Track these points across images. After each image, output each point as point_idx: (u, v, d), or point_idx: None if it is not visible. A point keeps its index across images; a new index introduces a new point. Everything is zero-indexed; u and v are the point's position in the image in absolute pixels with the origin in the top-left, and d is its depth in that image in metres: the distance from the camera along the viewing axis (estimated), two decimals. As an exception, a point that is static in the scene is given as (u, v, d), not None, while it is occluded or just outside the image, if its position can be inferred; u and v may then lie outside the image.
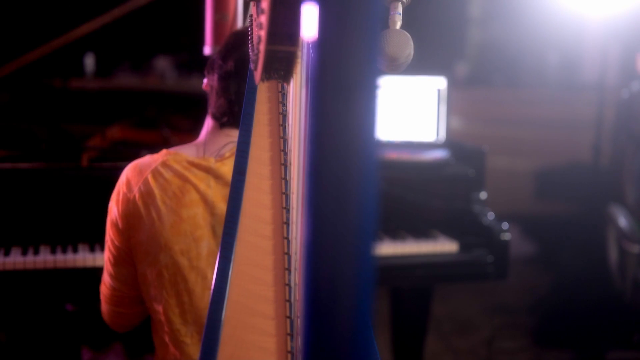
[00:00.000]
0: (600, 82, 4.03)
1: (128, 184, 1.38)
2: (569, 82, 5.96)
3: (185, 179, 1.37)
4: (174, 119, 3.00)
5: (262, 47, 0.88)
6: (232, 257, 1.03)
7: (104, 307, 1.53)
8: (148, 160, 1.40)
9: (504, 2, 6.20)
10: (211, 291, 1.00)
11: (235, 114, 1.41)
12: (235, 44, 1.42)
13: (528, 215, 4.94)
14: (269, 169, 1.13)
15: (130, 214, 1.37)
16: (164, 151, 1.41)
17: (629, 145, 3.38)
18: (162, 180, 1.36)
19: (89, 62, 4.10)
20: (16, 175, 2.13)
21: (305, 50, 0.95)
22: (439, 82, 2.68)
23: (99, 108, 3.26)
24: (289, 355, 1.01)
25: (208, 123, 1.49)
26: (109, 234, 1.43)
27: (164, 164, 1.38)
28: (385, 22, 1.02)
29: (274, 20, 0.84)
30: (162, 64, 4.42)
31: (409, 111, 2.67)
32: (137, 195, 1.36)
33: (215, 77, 1.43)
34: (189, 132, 2.82)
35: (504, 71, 6.21)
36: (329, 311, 0.58)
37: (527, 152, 5.28)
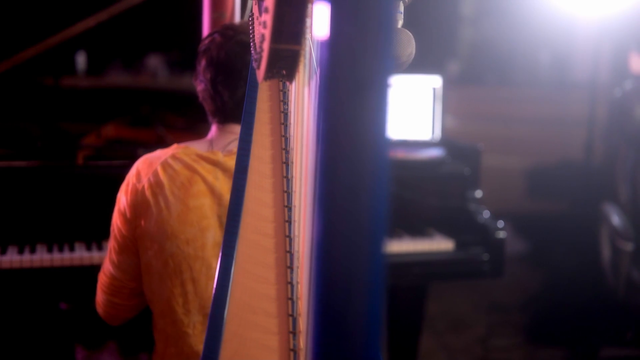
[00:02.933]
0: (592, 80, 4.05)
1: (138, 175, 1.43)
2: (561, 81, 5.98)
3: (193, 171, 1.41)
4: (167, 117, 3.00)
5: (265, 45, 0.88)
6: (235, 255, 1.03)
7: (100, 296, 1.55)
8: (158, 153, 1.45)
9: (495, 1, 6.21)
10: (214, 288, 1.00)
11: (227, 112, 1.48)
12: (205, 48, 1.49)
13: (520, 213, 4.95)
14: (271, 167, 1.13)
15: (139, 204, 1.41)
16: (174, 145, 1.47)
17: (621, 144, 3.39)
18: (171, 172, 1.41)
19: (81, 60, 4.07)
20: (12, 173, 2.13)
21: (308, 49, 0.95)
22: (434, 81, 2.69)
23: (91, 106, 3.25)
24: (292, 353, 1.01)
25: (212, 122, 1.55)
26: (116, 222, 1.46)
27: (174, 156, 1.43)
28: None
29: (279, 19, 0.84)
30: (154, 62, 4.39)
31: (404, 109, 2.67)
32: (145, 186, 1.41)
33: (197, 80, 1.51)
34: (183, 130, 2.82)
35: (495, 70, 6.22)
36: (341, 310, 0.58)
37: (519, 150, 5.30)
